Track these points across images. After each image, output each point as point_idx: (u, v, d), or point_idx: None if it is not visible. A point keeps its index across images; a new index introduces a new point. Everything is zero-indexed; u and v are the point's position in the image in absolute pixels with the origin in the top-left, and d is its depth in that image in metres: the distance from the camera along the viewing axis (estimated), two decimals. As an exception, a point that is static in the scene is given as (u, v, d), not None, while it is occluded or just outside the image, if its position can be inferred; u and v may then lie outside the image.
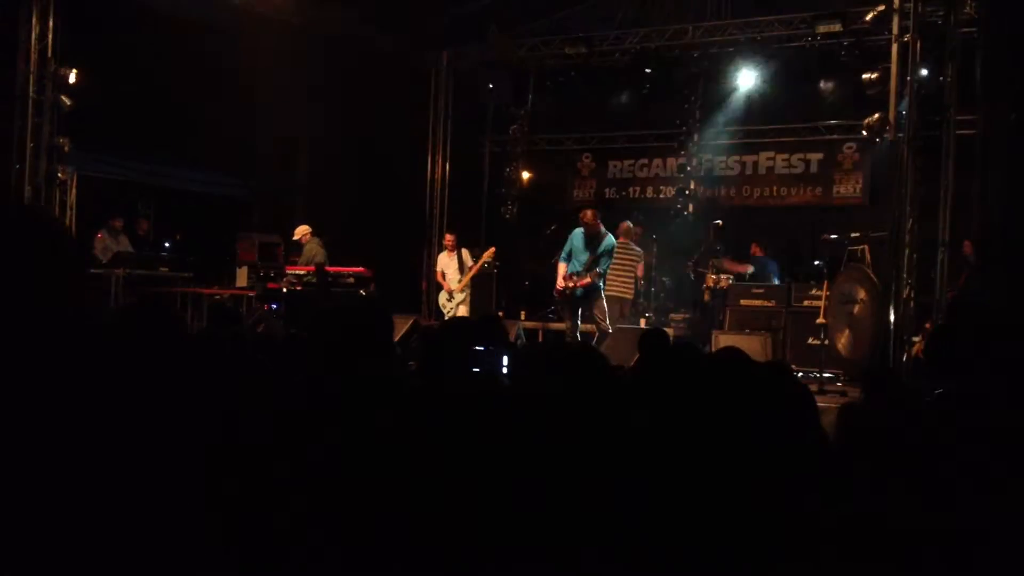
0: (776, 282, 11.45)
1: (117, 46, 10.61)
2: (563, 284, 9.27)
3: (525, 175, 14.71)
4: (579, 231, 9.36)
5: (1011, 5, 8.24)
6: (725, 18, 12.84)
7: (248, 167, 13.33)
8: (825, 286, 9.53)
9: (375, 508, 1.98)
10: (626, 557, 1.93)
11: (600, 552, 1.92)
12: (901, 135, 8.69)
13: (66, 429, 1.51)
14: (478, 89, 14.66)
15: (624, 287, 11.33)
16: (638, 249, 11.54)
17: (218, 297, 11.43)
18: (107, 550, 1.52)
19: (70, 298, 1.48)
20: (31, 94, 9.85)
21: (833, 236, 9.97)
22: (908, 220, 8.63)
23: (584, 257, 9.19)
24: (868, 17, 9.54)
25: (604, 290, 9.56)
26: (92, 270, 10.98)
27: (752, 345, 9.34)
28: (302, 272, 10.84)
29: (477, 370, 3.19)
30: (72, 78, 9.97)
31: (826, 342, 9.22)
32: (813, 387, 8.26)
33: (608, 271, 9.62)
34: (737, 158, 13.87)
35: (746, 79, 12.88)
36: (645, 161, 14.64)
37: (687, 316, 12.29)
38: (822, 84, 12.92)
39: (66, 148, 10.06)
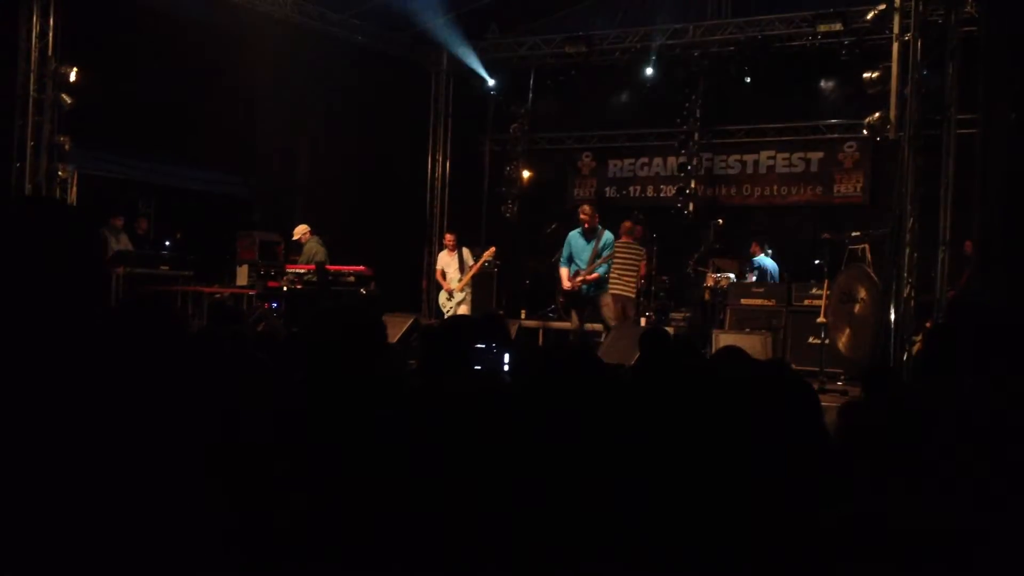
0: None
1: (117, 44, 10.61)
2: (571, 283, 9.30)
3: (525, 174, 14.70)
4: (575, 232, 9.47)
5: (1011, 4, 8.23)
6: (726, 17, 12.85)
7: (249, 166, 13.32)
8: (826, 285, 9.53)
9: (375, 508, 1.98)
10: (626, 557, 1.93)
11: (600, 552, 1.92)
12: (902, 134, 8.68)
13: (67, 426, 1.51)
14: (478, 88, 14.65)
15: (627, 286, 11.33)
16: (640, 248, 11.55)
17: (218, 296, 11.42)
18: (105, 549, 1.52)
19: (91, 292, 1.49)
20: (32, 92, 9.85)
21: (833, 235, 9.97)
22: (909, 219, 8.62)
23: (587, 255, 9.24)
24: (869, 16, 9.54)
25: (608, 289, 9.62)
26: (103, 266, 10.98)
27: (752, 344, 9.34)
28: (302, 271, 10.84)
29: (479, 368, 3.19)
30: (72, 76, 9.97)
31: (826, 341, 9.22)
32: (814, 386, 8.26)
33: (611, 268, 9.68)
34: (737, 157, 13.87)
35: (746, 78, 12.87)
36: (645, 160, 14.64)
37: (687, 315, 12.29)
38: (823, 83, 12.94)
39: (67, 146, 10.06)
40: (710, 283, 11.39)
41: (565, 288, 9.43)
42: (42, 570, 1.45)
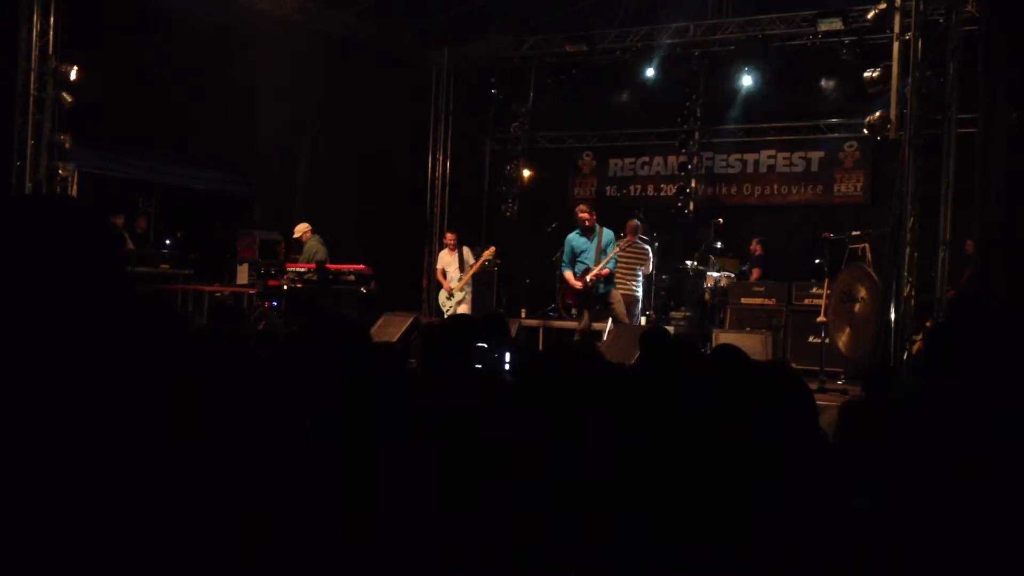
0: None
1: (118, 43, 10.60)
2: (582, 283, 9.33)
3: (526, 173, 14.70)
4: (573, 234, 9.54)
5: (1012, 4, 8.24)
6: (726, 16, 12.85)
7: (249, 164, 13.33)
8: (826, 284, 9.53)
9: (375, 507, 1.99)
10: (625, 556, 1.93)
11: (599, 551, 1.93)
12: (902, 133, 8.68)
13: (67, 424, 1.51)
14: (479, 87, 14.65)
15: (631, 285, 11.35)
16: (645, 247, 11.56)
17: (219, 294, 11.43)
18: (105, 550, 1.52)
19: (117, 288, 1.49)
20: (32, 91, 9.84)
21: (834, 235, 9.97)
22: (909, 218, 8.62)
23: (592, 253, 9.30)
24: (869, 15, 9.53)
25: (617, 285, 9.71)
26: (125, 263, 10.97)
27: (752, 343, 9.34)
28: (303, 269, 10.84)
29: (479, 367, 3.18)
30: (73, 75, 9.97)
31: (827, 340, 9.22)
32: (813, 385, 8.27)
33: (616, 265, 9.76)
34: (738, 156, 13.86)
35: (747, 77, 12.87)
36: (646, 159, 14.64)
37: (687, 314, 12.29)
38: (823, 82, 12.93)
39: (67, 145, 10.06)
40: (710, 282, 11.40)
41: (576, 288, 9.46)
42: (40, 570, 1.45)
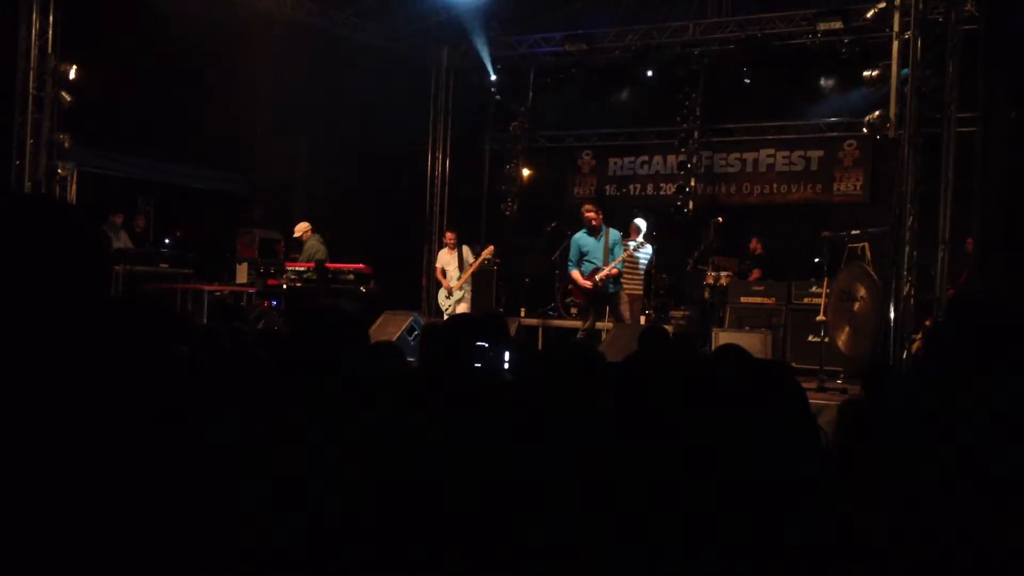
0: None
1: (117, 42, 10.61)
2: (592, 282, 9.35)
3: (525, 172, 14.70)
4: (581, 233, 9.55)
5: (1011, 4, 8.25)
6: (726, 15, 12.85)
7: (248, 163, 13.33)
8: (825, 283, 9.53)
9: (376, 507, 1.98)
10: (624, 556, 1.93)
11: (599, 550, 1.92)
12: (902, 132, 8.69)
13: (66, 425, 1.51)
14: (478, 86, 14.64)
15: (636, 285, 11.37)
16: (649, 247, 11.58)
17: (218, 293, 11.43)
18: (103, 552, 1.52)
19: (98, 290, 1.48)
20: (31, 90, 9.84)
21: (833, 234, 9.97)
22: (908, 217, 8.63)
23: (600, 252, 9.32)
24: (869, 14, 9.53)
25: (624, 286, 9.75)
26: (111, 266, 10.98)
27: (752, 342, 9.34)
28: (302, 268, 10.84)
29: (479, 365, 3.19)
30: (72, 74, 9.96)
31: (826, 339, 9.22)
32: (813, 384, 8.27)
33: (624, 267, 9.80)
34: (737, 155, 13.86)
35: (746, 76, 12.87)
36: (645, 158, 14.63)
37: (687, 313, 12.29)
38: (823, 81, 12.92)
39: (66, 144, 10.06)
40: (710, 281, 11.40)
41: (585, 287, 9.47)
42: (38, 570, 1.45)
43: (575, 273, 9.54)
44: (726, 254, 12.24)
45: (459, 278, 11.36)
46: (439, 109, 14.57)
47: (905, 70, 8.36)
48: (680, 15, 12.96)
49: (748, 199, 13.80)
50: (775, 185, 13.64)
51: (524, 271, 13.91)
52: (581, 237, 9.56)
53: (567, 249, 10.12)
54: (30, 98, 9.84)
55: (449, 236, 11.76)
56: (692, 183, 13.58)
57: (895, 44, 8.84)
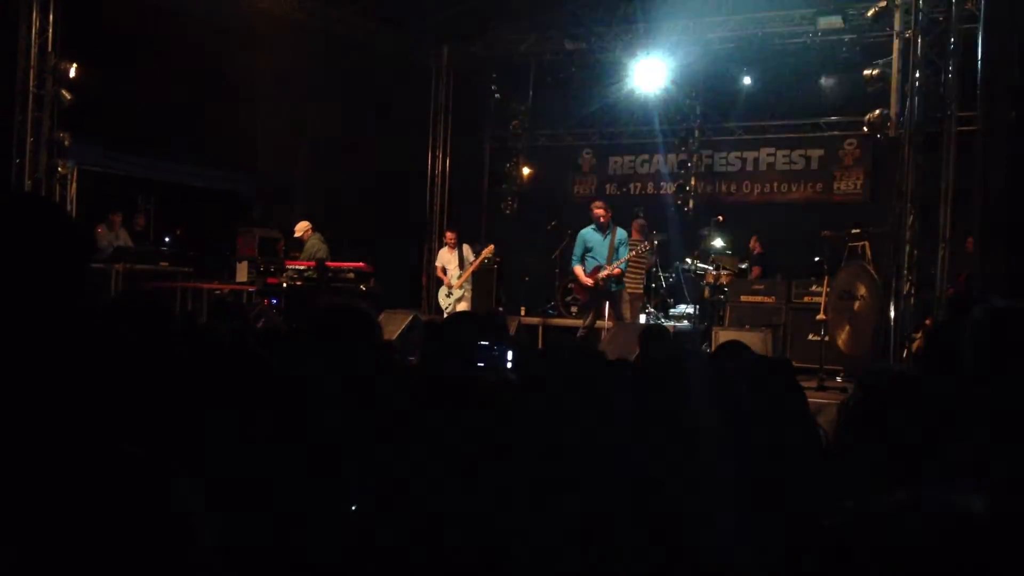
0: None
1: (117, 41, 10.60)
2: (593, 279, 9.35)
3: (525, 171, 14.70)
4: (588, 229, 9.56)
5: (1012, 2, 8.24)
6: (726, 14, 12.83)
7: (248, 162, 13.32)
8: (825, 282, 9.53)
9: (378, 507, 1.98)
10: (624, 552, 1.93)
11: (599, 550, 1.93)
12: (902, 131, 8.68)
13: (61, 421, 1.51)
14: (478, 85, 14.64)
15: (637, 283, 11.38)
16: (648, 246, 11.58)
17: (218, 292, 11.42)
18: (98, 550, 1.51)
19: (77, 288, 1.48)
20: (31, 88, 9.84)
21: (833, 233, 9.97)
22: (909, 216, 8.62)
23: (605, 250, 9.33)
24: (870, 13, 9.52)
25: (626, 285, 9.76)
26: (92, 265, 11.00)
27: (752, 341, 9.28)
28: (302, 267, 10.84)
29: (481, 365, 3.18)
30: (72, 72, 9.96)
31: (826, 338, 9.22)
32: (813, 383, 8.28)
33: (627, 267, 9.81)
34: (738, 154, 13.86)
35: (747, 75, 12.87)
36: (646, 157, 14.63)
37: (687, 312, 12.29)
38: (823, 80, 12.92)
39: (66, 142, 10.06)
40: (710, 280, 11.40)
41: (587, 284, 9.48)
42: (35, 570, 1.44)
43: (577, 269, 9.57)
44: (726, 253, 12.25)
45: (459, 276, 11.36)
46: (439, 107, 14.56)
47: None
48: (681, 13, 12.94)
49: (748, 198, 13.80)
50: (775, 184, 13.64)
51: (524, 270, 13.91)
52: (587, 233, 9.57)
53: (571, 246, 10.13)
54: (30, 96, 9.84)
55: (449, 235, 11.76)
56: (692, 182, 13.58)
57: (896, 43, 8.83)
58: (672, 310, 12.45)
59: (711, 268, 11.58)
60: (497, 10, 13.09)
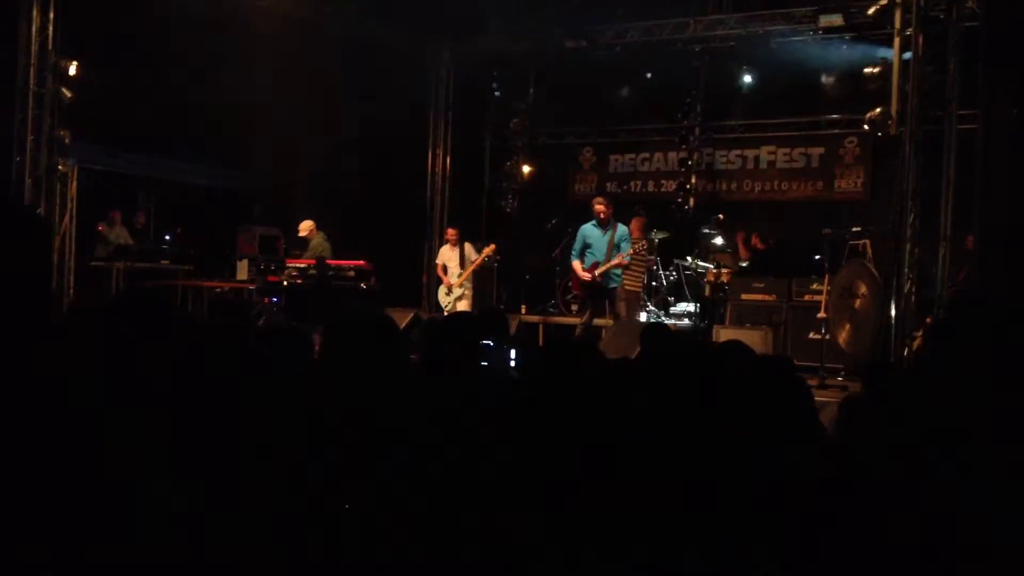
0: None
1: (118, 38, 10.59)
2: (590, 275, 9.35)
3: (526, 169, 14.69)
4: (588, 225, 9.56)
5: (1013, 1, 8.22)
6: (727, 12, 12.82)
7: (249, 160, 13.32)
8: (826, 280, 9.53)
9: (379, 507, 1.98)
10: (627, 553, 1.93)
11: (601, 549, 1.93)
12: (903, 129, 8.68)
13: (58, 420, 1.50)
14: (479, 83, 14.63)
15: (636, 281, 11.37)
16: (647, 244, 11.57)
17: (219, 290, 11.43)
18: (97, 549, 1.52)
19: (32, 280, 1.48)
20: (31, 86, 9.82)
21: (834, 231, 9.97)
22: (909, 215, 8.62)
23: (604, 246, 9.33)
24: (870, 11, 9.52)
25: (624, 283, 9.75)
26: (92, 263, 11.02)
27: (753, 339, 9.32)
28: (303, 265, 10.84)
29: (485, 364, 3.17)
30: (73, 70, 9.94)
31: (827, 336, 9.22)
32: (814, 381, 8.28)
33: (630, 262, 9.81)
34: (738, 152, 13.85)
35: (747, 73, 12.86)
36: (646, 155, 14.62)
37: (687, 310, 12.30)
38: (823, 78, 12.91)
39: (67, 140, 10.04)
40: (711, 278, 11.40)
41: (584, 280, 9.48)
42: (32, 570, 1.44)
43: (576, 263, 9.56)
44: (726, 251, 12.25)
45: (460, 275, 11.36)
46: (439, 106, 14.54)
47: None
48: (681, 12, 12.93)
49: (749, 196, 13.79)
50: (776, 182, 13.64)
51: (525, 268, 13.91)
52: (587, 229, 9.56)
53: (571, 243, 10.12)
54: (30, 94, 9.82)
55: (451, 233, 11.75)
56: (693, 180, 13.58)
57: (896, 41, 8.83)
58: (673, 308, 12.45)
59: (712, 266, 11.57)
60: (497, 9, 13.08)
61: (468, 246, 11.57)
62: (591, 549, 1.91)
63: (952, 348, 2.93)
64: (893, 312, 8.55)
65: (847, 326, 9.42)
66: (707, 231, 12.59)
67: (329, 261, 10.86)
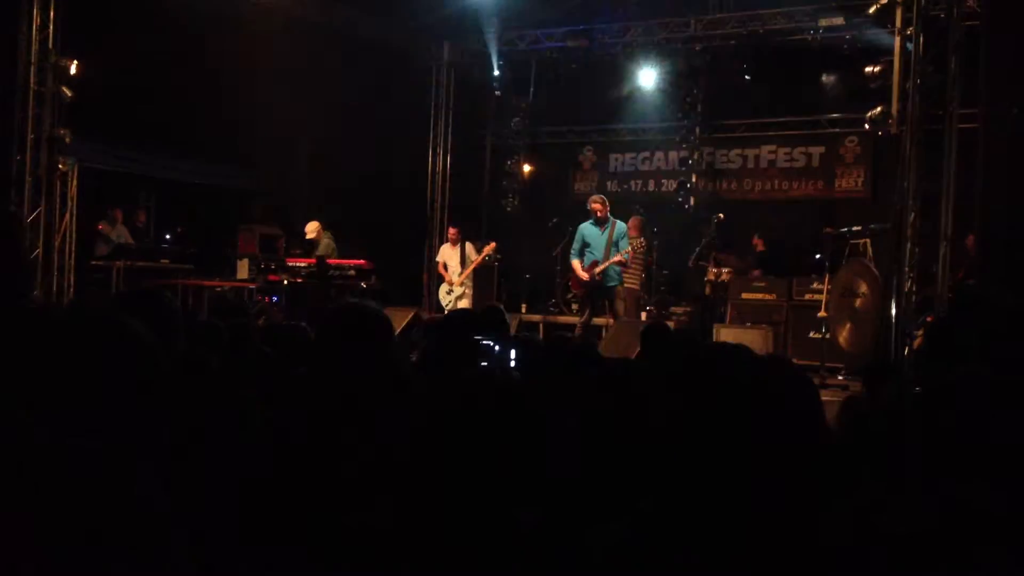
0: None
1: (118, 37, 10.58)
2: (588, 274, 9.35)
3: (527, 168, 14.69)
4: (586, 224, 9.56)
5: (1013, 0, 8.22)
6: (727, 11, 12.83)
7: (249, 159, 13.31)
8: (827, 280, 9.54)
9: (373, 507, 1.98)
10: (627, 554, 1.93)
11: (601, 549, 1.92)
12: (903, 128, 8.67)
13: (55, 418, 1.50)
14: (479, 82, 14.63)
15: (635, 280, 11.37)
16: (645, 243, 11.56)
17: (219, 289, 11.42)
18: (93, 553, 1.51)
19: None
20: (32, 85, 9.82)
21: (834, 230, 9.97)
22: (910, 214, 8.62)
23: (602, 245, 9.33)
24: (871, 10, 9.51)
25: (624, 282, 9.75)
26: (93, 261, 11.01)
27: (753, 339, 9.35)
28: (303, 264, 10.84)
29: (485, 364, 3.17)
30: (73, 69, 9.94)
31: (827, 336, 9.23)
32: (815, 380, 8.26)
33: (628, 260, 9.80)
34: (739, 151, 13.85)
35: (747, 73, 12.86)
36: (647, 154, 14.62)
37: (688, 309, 12.29)
38: (824, 77, 12.91)
39: (67, 139, 10.04)
40: (711, 277, 11.40)
41: (583, 279, 9.48)
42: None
43: (575, 263, 9.58)
44: (727, 250, 12.24)
45: (460, 274, 11.36)
46: (440, 104, 14.55)
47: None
48: (682, 11, 12.94)
49: (749, 195, 13.79)
50: (776, 181, 13.63)
51: (525, 267, 13.91)
52: (586, 227, 9.57)
53: (572, 242, 10.12)
54: (31, 93, 9.82)
55: (452, 231, 11.76)
56: (693, 179, 13.58)
57: (897, 40, 8.82)
58: (673, 307, 12.45)
59: (712, 265, 11.57)
60: (498, 7, 13.07)
61: (469, 245, 11.57)
62: (589, 550, 1.91)
63: (953, 346, 2.93)
64: (893, 311, 8.54)
65: (848, 325, 9.42)
66: (707, 230, 12.58)
67: (330, 260, 10.85)
